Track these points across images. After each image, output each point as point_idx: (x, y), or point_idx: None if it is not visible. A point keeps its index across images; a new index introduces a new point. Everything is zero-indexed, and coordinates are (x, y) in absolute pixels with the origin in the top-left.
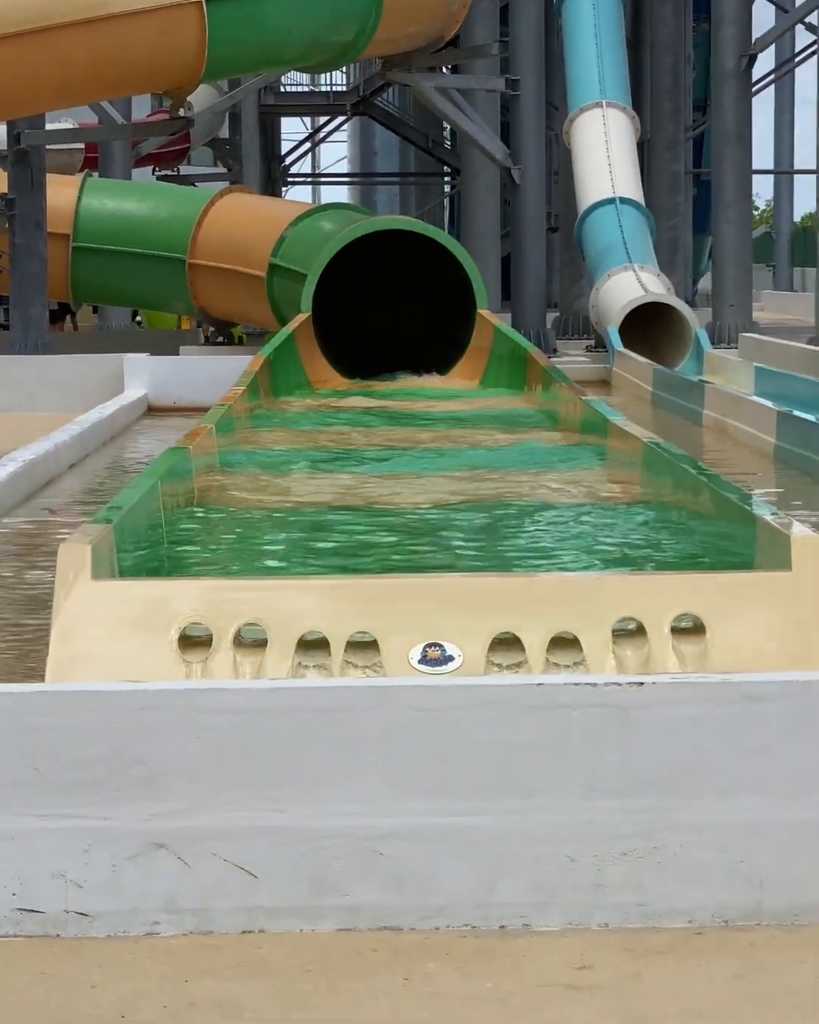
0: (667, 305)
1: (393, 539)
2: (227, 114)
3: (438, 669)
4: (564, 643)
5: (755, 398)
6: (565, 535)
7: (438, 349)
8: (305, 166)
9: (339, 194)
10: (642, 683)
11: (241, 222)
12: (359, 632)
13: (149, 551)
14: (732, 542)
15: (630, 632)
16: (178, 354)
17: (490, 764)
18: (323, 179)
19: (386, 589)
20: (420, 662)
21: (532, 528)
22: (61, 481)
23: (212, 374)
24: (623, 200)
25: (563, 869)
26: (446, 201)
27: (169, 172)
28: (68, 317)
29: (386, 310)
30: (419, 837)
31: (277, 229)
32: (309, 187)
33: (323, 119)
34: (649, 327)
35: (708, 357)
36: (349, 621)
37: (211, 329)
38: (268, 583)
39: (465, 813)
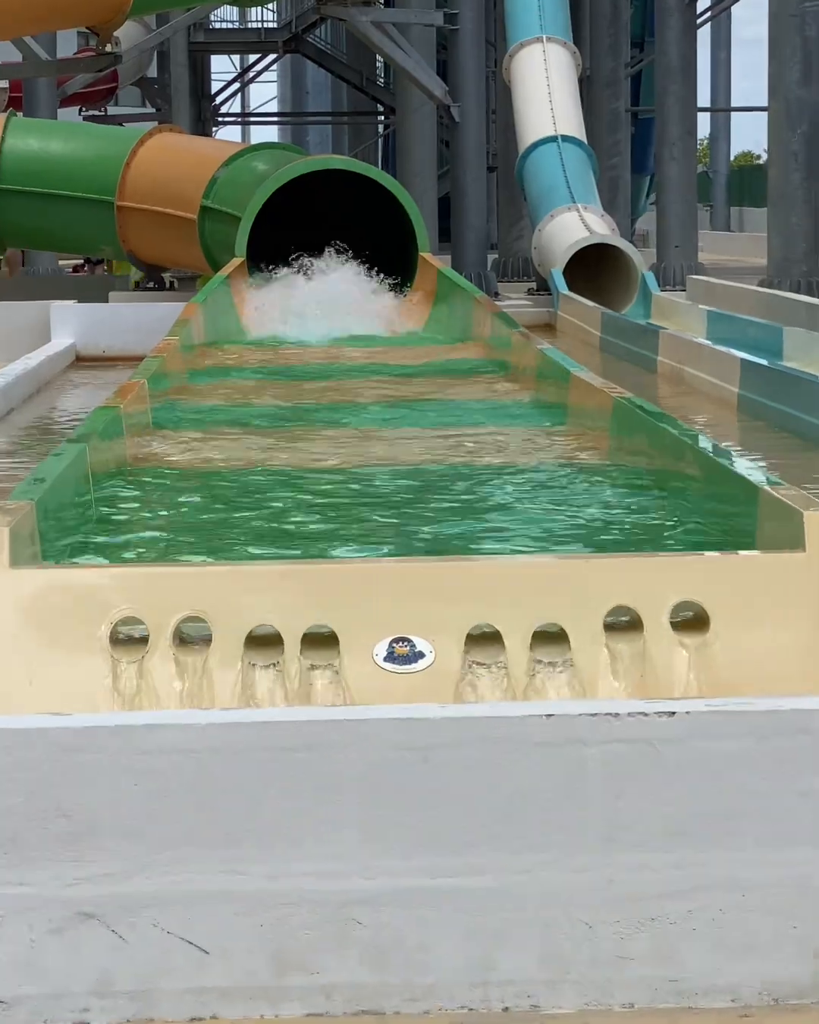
0: (612, 246)
1: (348, 512)
2: (155, 52)
3: (407, 667)
4: (549, 636)
5: (716, 345)
6: (533, 507)
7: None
8: (235, 106)
9: (269, 134)
10: (673, 712)
11: (171, 163)
12: (316, 625)
13: (76, 531)
14: (728, 516)
15: (624, 623)
16: (107, 301)
17: (490, 812)
18: (253, 119)
19: (345, 575)
20: (386, 659)
21: (495, 498)
22: None
23: (143, 322)
24: (565, 138)
25: (579, 938)
26: (380, 141)
27: (96, 112)
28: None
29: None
30: (404, 901)
31: (209, 170)
32: (239, 127)
33: (253, 57)
34: (593, 269)
35: (656, 300)
36: (304, 613)
37: (141, 274)
38: (211, 569)
39: (460, 872)
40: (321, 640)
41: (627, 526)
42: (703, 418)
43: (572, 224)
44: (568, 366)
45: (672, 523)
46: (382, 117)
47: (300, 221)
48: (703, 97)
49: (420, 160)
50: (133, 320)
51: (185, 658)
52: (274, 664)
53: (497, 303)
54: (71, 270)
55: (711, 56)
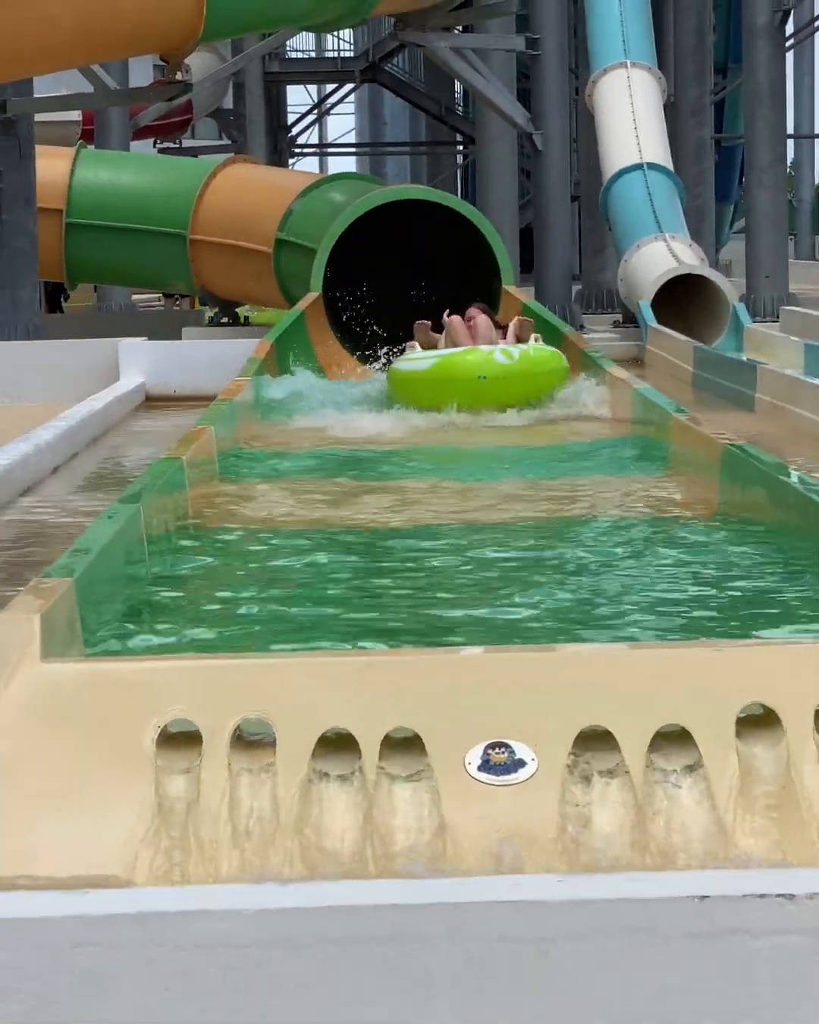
0: (701, 277)
1: (430, 581)
2: (231, 83)
3: (505, 778)
4: (672, 738)
5: None
6: (635, 575)
7: None
8: (312, 137)
9: (347, 165)
10: None
11: (245, 194)
12: (398, 728)
13: (126, 611)
14: None
15: (760, 723)
16: (180, 338)
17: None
18: (330, 150)
19: (431, 667)
20: (481, 768)
21: (590, 564)
22: (43, 488)
23: (216, 359)
24: (651, 166)
25: None
26: (458, 172)
27: (171, 144)
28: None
29: (402, 288)
30: None
31: (284, 202)
32: (316, 159)
33: (330, 87)
34: (681, 300)
35: (748, 333)
36: (384, 713)
37: (215, 309)
38: (276, 662)
39: None
40: (403, 745)
41: (749, 600)
42: (806, 460)
43: (659, 254)
44: (668, 408)
45: (801, 595)
46: (461, 147)
47: (378, 254)
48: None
49: (501, 190)
50: (206, 358)
51: (243, 767)
52: (346, 775)
53: (584, 337)
54: (160, 300)
55: (794, 81)
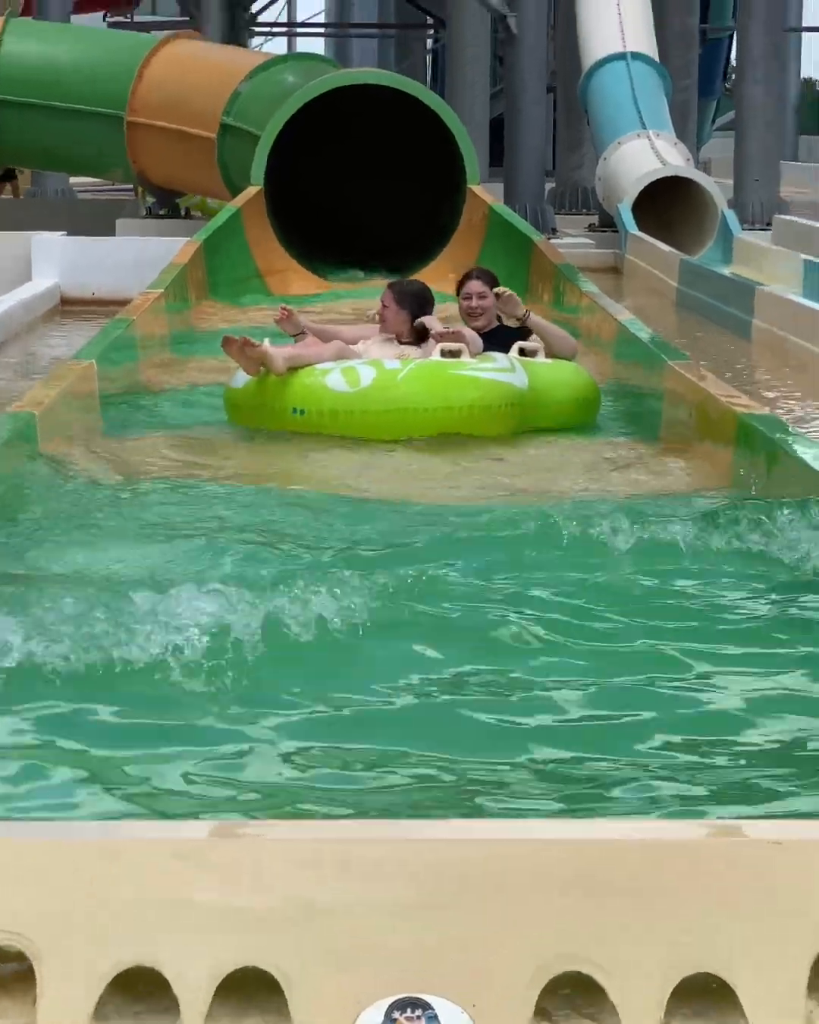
0: (686, 180)
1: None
2: None
3: None
4: (700, 990)
5: None
6: (606, 617)
7: (421, 234)
8: (278, 17)
9: (313, 48)
10: None
11: (189, 74)
12: (244, 965)
13: None
14: None
15: None
16: (114, 232)
17: None
18: (293, 31)
19: (302, 847)
20: None
21: (533, 592)
22: None
23: (144, 259)
24: (635, 55)
25: None
26: (429, 57)
27: (122, 18)
28: (11, 182)
29: (358, 186)
30: None
31: (231, 83)
32: (276, 40)
33: None
34: (664, 204)
35: (738, 243)
36: (224, 938)
37: (151, 200)
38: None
39: None
40: (246, 991)
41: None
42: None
43: (642, 153)
44: (661, 352)
45: None
46: (432, 31)
47: (334, 148)
48: None
49: (472, 77)
50: (132, 256)
51: None
52: None
53: (555, 243)
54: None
55: None
